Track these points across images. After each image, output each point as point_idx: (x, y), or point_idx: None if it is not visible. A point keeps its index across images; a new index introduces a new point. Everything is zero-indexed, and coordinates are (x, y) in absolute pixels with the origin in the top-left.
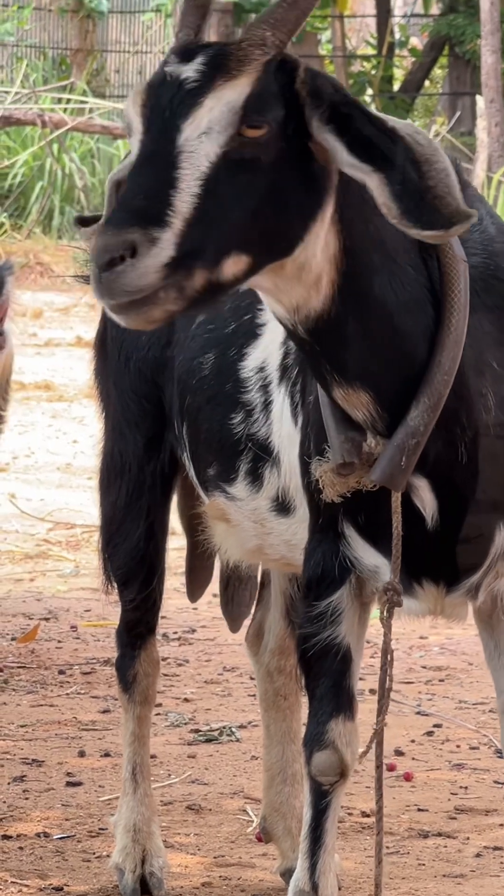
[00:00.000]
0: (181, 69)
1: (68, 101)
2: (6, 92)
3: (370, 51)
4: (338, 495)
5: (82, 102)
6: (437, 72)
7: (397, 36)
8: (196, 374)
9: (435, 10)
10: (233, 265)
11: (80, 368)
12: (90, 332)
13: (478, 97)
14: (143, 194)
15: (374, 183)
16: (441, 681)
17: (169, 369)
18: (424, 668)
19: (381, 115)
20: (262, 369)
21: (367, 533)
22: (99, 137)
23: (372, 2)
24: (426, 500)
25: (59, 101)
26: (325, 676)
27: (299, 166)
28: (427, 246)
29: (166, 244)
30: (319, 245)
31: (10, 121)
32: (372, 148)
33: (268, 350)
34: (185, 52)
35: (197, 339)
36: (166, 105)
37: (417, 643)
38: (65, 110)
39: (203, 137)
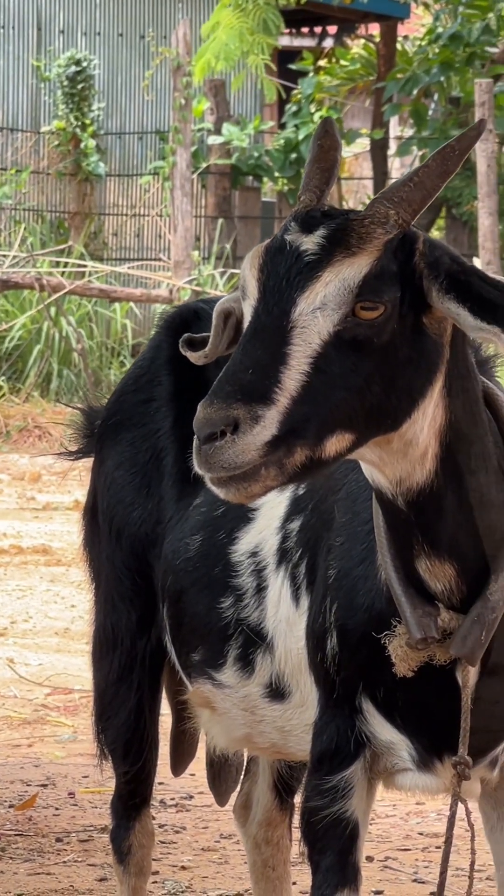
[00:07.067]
0: (301, 239)
1: (66, 264)
2: (4, 255)
3: None
4: (410, 670)
5: (80, 266)
6: (435, 233)
7: None
8: (181, 555)
9: None
10: (336, 443)
11: (78, 531)
12: None
13: (475, 259)
14: (251, 368)
15: (503, 343)
16: (437, 847)
17: (158, 547)
18: (421, 834)
19: (499, 277)
20: (255, 553)
21: (385, 708)
22: (96, 301)
23: (369, 164)
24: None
25: (57, 264)
26: (331, 850)
27: (412, 344)
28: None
29: (269, 423)
30: (427, 420)
31: (8, 284)
32: (497, 310)
33: (262, 535)
34: (307, 221)
35: (188, 520)
36: (283, 275)
37: (415, 809)
38: (63, 273)
39: (317, 313)
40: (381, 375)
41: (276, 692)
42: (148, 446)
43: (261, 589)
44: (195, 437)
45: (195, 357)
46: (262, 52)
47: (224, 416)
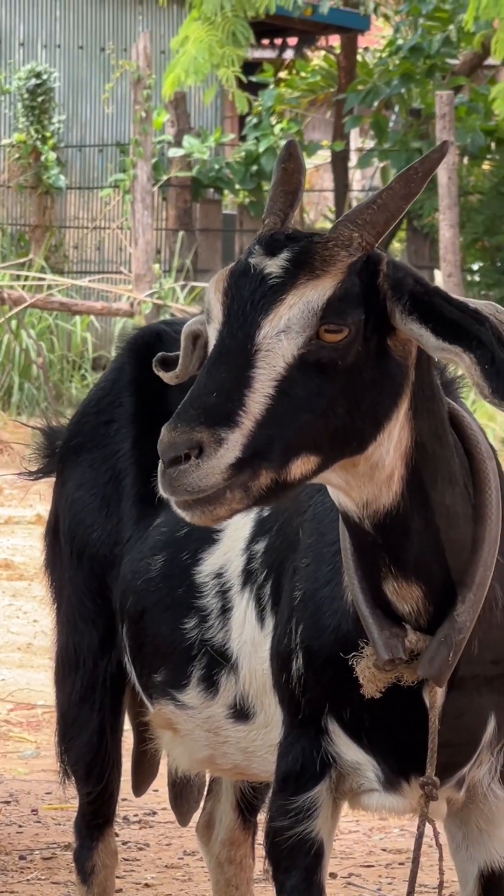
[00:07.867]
0: (265, 262)
1: (27, 277)
2: None
3: (328, 224)
4: (378, 691)
5: (40, 279)
6: (396, 245)
7: None
8: (141, 576)
9: None
10: (301, 465)
11: (40, 547)
12: None
13: (436, 271)
14: (215, 391)
15: (465, 363)
16: (401, 864)
17: (116, 568)
18: (385, 850)
19: (462, 298)
20: (220, 575)
21: (351, 729)
22: (57, 314)
23: (330, 175)
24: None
25: (18, 277)
26: (296, 870)
27: (377, 365)
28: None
29: (233, 445)
30: (393, 442)
31: None
32: (459, 330)
33: (227, 556)
34: (271, 244)
35: (148, 540)
36: (247, 298)
37: (378, 825)
38: (23, 287)
39: (281, 336)
40: (346, 398)
41: (241, 713)
42: (108, 468)
43: (226, 610)
44: (160, 460)
45: (168, 377)
46: (232, 64)
47: (187, 439)
